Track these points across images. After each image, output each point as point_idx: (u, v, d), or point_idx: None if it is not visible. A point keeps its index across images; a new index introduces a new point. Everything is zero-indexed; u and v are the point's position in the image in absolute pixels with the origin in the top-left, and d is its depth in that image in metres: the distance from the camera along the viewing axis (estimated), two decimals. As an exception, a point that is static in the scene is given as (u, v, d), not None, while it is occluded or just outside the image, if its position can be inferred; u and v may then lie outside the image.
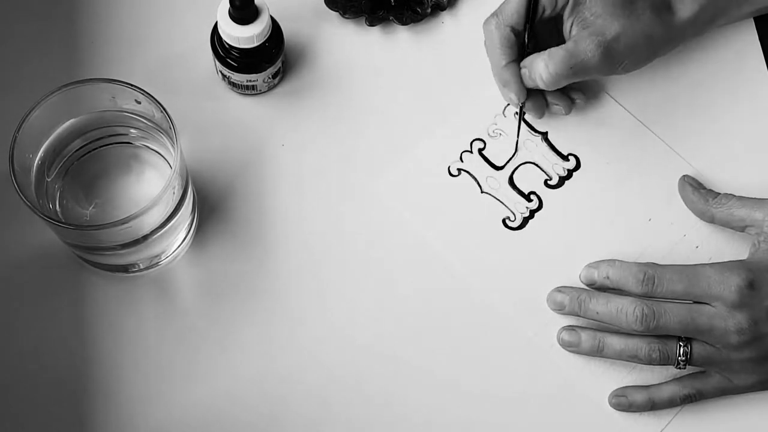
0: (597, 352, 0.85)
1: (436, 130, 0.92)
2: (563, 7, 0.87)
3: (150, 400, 0.84)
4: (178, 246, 0.87)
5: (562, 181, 0.92)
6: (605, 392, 0.86)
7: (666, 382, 0.85)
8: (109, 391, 0.84)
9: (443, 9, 0.96)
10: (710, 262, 0.84)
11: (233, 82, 0.91)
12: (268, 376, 0.85)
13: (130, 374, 0.85)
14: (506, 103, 0.93)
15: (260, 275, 0.88)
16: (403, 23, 0.94)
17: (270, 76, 0.91)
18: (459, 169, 0.91)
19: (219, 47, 0.89)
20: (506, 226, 0.90)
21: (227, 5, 0.86)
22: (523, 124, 0.92)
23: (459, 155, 0.92)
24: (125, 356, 0.85)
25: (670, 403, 0.85)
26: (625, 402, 0.85)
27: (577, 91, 0.92)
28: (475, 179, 0.91)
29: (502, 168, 0.92)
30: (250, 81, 0.91)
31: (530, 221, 0.90)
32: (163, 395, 0.84)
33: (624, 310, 0.83)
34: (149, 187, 0.83)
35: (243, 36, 0.87)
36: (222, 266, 0.88)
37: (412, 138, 0.93)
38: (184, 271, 0.88)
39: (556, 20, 0.89)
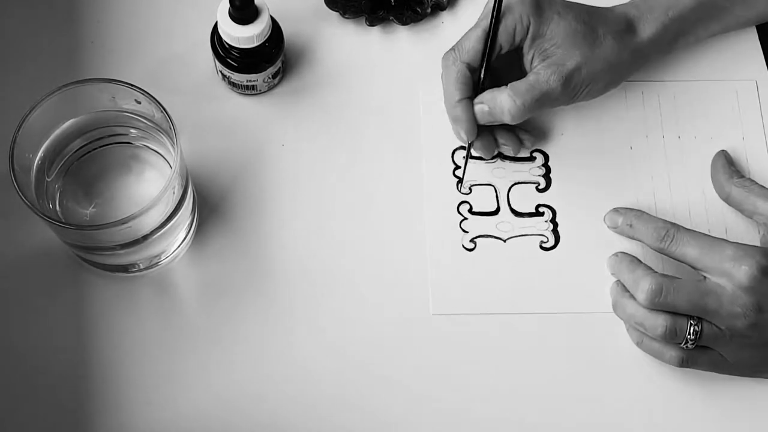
0: (613, 306, 0.87)
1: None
2: (521, 41, 0.87)
3: (149, 400, 0.84)
4: (178, 246, 0.87)
5: (548, 178, 0.92)
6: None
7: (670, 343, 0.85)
8: (108, 392, 0.84)
9: (443, 9, 0.96)
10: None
11: (233, 82, 0.91)
12: (267, 376, 0.85)
13: (130, 374, 0.85)
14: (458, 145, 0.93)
15: (260, 275, 0.88)
16: (403, 23, 0.95)
17: (270, 76, 0.91)
18: (472, 241, 0.90)
19: (219, 47, 0.89)
20: (542, 248, 0.90)
21: (227, 5, 0.86)
22: (472, 159, 0.92)
23: (459, 225, 0.91)
24: (125, 356, 0.85)
25: (658, 354, 0.85)
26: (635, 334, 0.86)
27: (525, 132, 0.92)
28: (492, 236, 0.90)
29: (495, 212, 0.91)
30: (250, 81, 0.91)
31: (558, 229, 0.91)
32: (162, 395, 0.84)
33: (638, 281, 0.84)
34: (149, 187, 0.83)
35: (243, 36, 0.87)
36: (222, 266, 0.88)
37: (412, 138, 0.93)
38: (184, 271, 0.88)
39: (514, 54, 0.88)
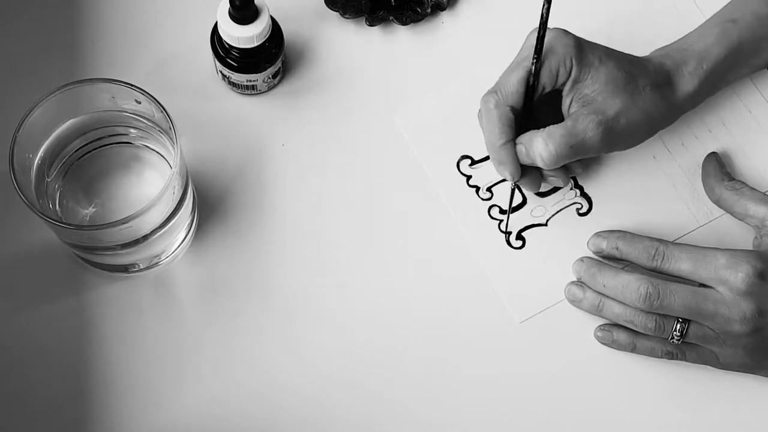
0: (596, 311, 0.87)
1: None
2: (563, 84, 0.85)
3: (149, 400, 0.84)
4: (178, 246, 0.87)
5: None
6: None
7: (657, 336, 0.85)
8: (108, 391, 0.84)
9: (443, 9, 0.96)
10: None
11: (233, 82, 0.91)
12: (267, 376, 0.85)
13: (130, 374, 0.85)
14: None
15: (260, 275, 0.88)
16: (403, 23, 0.94)
17: (270, 76, 0.91)
18: (518, 238, 0.91)
19: (219, 47, 0.89)
20: (580, 213, 0.92)
21: (227, 5, 0.86)
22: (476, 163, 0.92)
23: (498, 228, 0.91)
24: (125, 356, 0.85)
25: (651, 352, 0.86)
26: (609, 337, 0.87)
27: (577, 162, 0.89)
28: (533, 225, 0.91)
29: (524, 203, 0.92)
30: (250, 81, 0.91)
31: (586, 191, 0.92)
32: (163, 395, 0.85)
33: (630, 286, 0.83)
34: (149, 187, 0.84)
35: (243, 36, 0.87)
36: (222, 266, 0.88)
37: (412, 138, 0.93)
38: (184, 271, 0.88)
39: (555, 95, 0.86)
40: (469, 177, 0.92)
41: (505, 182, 0.91)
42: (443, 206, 0.91)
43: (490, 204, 0.91)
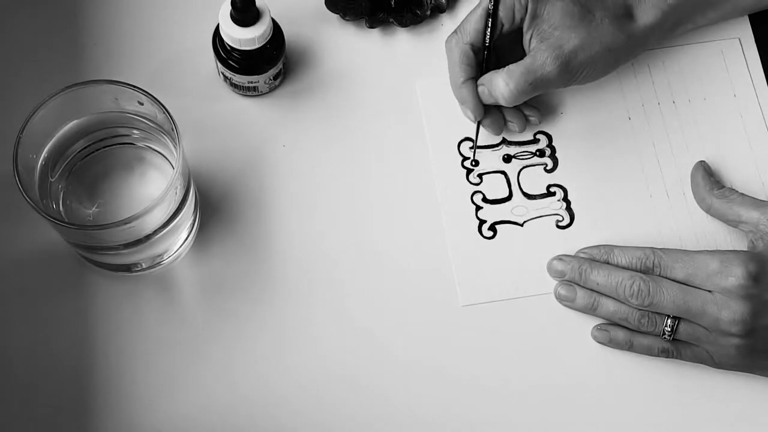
0: (590, 310, 0.86)
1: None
2: (521, 20, 0.86)
3: (152, 401, 0.84)
4: (181, 246, 0.87)
5: (554, 158, 0.93)
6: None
7: (650, 332, 0.85)
8: (111, 391, 0.84)
9: (443, 11, 0.96)
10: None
11: (235, 84, 0.91)
12: (271, 376, 0.86)
13: (133, 374, 0.85)
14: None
15: (262, 274, 0.88)
16: (403, 25, 0.95)
17: (271, 78, 0.91)
18: (491, 228, 0.91)
19: (221, 49, 0.89)
20: (559, 226, 0.91)
21: (229, 7, 0.86)
22: (482, 142, 0.93)
23: (476, 215, 0.92)
24: (127, 356, 0.85)
25: (647, 351, 0.86)
26: (606, 336, 0.87)
27: (532, 108, 0.92)
28: (509, 222, 0.92)
29: (508, 198, 0.92)
30: (252, 82, 0.91)
31: (572, 206, 0.92)
32: (164, 395, 0.85)
33: (623, 283, 0.84)
34: (152, 188, 0.84)
35: (244, 38, 0.86)
36: (224, 266, 0.88)
37: (413, 138, 0.93)
38: (187, 271, 0.88)
39: (517, 33, 0.88)
40: (465, 158, 0.93)
41: (498, 173, 0.93)
42: (440, 213, 0.91)
43: (475, 189, 0.92)
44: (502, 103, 0.86)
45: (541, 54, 0.85)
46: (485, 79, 0.87)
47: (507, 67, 0.85)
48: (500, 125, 0.90)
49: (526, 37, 0.87)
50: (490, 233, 0.91)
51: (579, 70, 0.86)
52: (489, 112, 0.89)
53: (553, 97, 0.94)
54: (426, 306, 0.88)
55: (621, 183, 0.93)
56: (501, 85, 0.85)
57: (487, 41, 0.87)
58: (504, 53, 0.89)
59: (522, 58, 0.86)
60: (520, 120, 0.91)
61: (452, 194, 0.92)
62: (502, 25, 0.86)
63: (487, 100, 0.87)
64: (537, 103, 0.92)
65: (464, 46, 0.87)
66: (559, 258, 0.89)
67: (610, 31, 0.86)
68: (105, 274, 0.87)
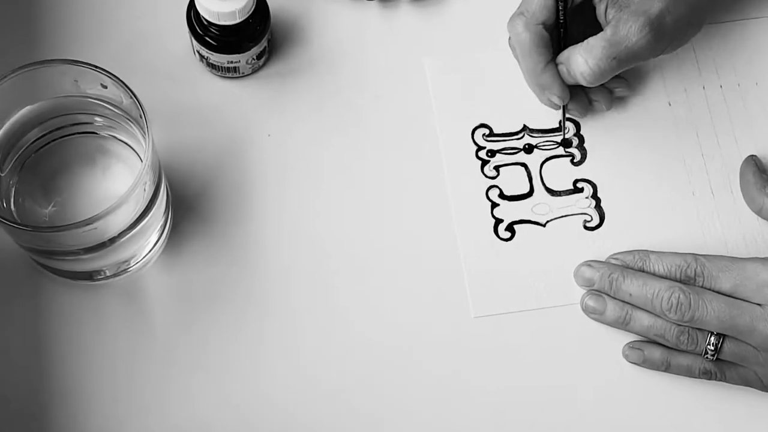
0: (622, 325, 0.84)
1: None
2: None
3: (117, 423, 0.82)
4: (150, 250, 0.85)
5: (582, 149, 0.90)
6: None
7: (690, 351, 0.83)
8: (69, 411, 0.82)
9: (449, -20, 0.95)
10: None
11: (212, 64, 0.89)
12: (249, 394, 0.84)
13: (93, 392, 0.83)
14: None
15: (242, 282, 0.86)
16: (404, -4, 0.93)
17: (254, 57, 0.89)
18: (508, 229, 0.88)
19: (196, 24, 0.87)
20: (586, 228, 0.88)
21: (205, -23, 0.85)
22: (499, 129, 0.91)
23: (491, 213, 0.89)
24: (88, 373, 0.83)
25: (687, 372, 0.83)
26: (639, 356, 0.84)
27: (619, 80, 0.89)
28: (530, 221, 0.88)
29: (529, 194, 0.89)
30: (232, 62, 0.89)
31: (602, 204, 0.89)
32: (132, 418, 0.83)
33: (660, 295, 0.81)
34: (117, 184, 0.82)
35: (223, 11, 0.85)
36: (199, 272, 0.86)
37: (418, 123, 0.91)
38: (157, 279, 0.86)
39: (587, 6, 0.85)
40: (481, 148, 0.90)
41: (517, 166, 0.90)
42: (450, 211, 0.89)
43: (491, 184, 0.89)
44: (583, 83, 0.83)
45: (623, 24, 0.81)
46: (563, 56, 0.84)
47: (586, 41, 0.82)
48: (585, 105, 0.89)
49: (600, 8, 0.83)
50: (507, 234, 0.88)
51: (669, 37, 0.82)
52: (573, 93, 0.87)
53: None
54: (432, 318, 0.86)
55: (658, 179, 0.90)
56: (580, 62, 0.82)
57: (561, 16, 0.85)
58: (573, 29, 0.86)
59: (595, 31, 0.83)
60: (605, 97, 0.89)
61: (465, 189, 0.89)
62: None
63: (568, 81, 0.85)
64: (625, 73, 0.89)
65: (536, 27, 0.84)
66: (588, 264, 0.85)
67: None
68: (63, 282, 0.85)
